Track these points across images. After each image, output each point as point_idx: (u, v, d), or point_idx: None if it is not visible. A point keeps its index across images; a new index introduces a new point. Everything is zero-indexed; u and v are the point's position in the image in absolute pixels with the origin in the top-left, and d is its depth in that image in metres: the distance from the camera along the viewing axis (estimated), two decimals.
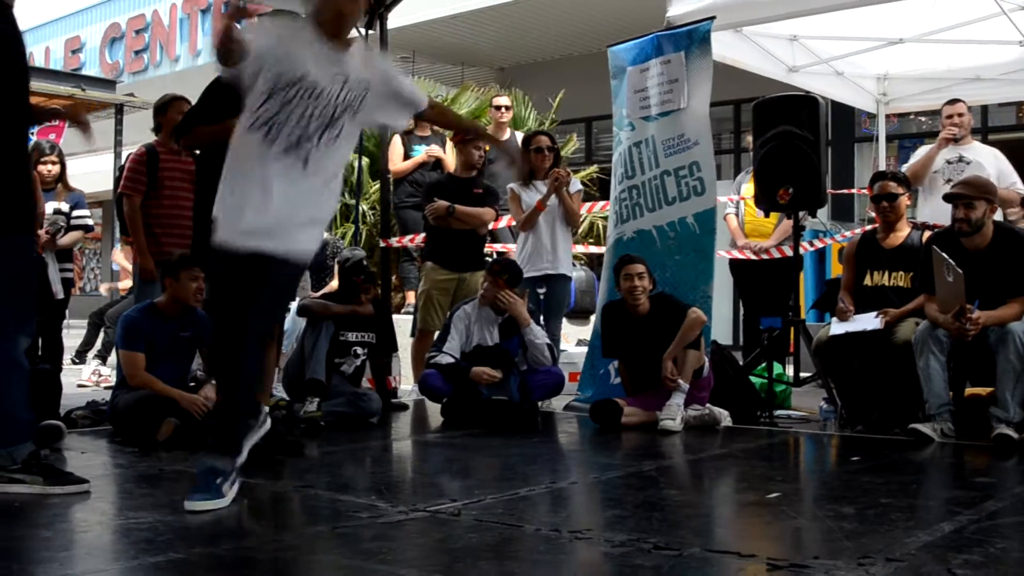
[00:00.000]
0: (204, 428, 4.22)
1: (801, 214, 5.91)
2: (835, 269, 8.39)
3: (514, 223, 6.51)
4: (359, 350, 5.62)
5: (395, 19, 8.05)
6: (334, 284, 6.71)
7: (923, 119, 11.05)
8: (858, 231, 6.09)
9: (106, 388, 6.70)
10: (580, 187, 6.38)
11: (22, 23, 3.40)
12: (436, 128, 7.67)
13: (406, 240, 7.51)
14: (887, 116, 8.73)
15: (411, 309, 7.35)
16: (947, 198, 4.89)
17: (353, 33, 3.42)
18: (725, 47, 6.47)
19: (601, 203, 7.85)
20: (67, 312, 6.14)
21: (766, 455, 4.66)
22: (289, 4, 3.50)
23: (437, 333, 5.91)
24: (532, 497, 3.41)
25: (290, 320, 5.60)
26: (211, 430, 3.47)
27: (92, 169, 13.24)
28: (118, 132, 11.29)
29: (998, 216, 5.08)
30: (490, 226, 6.57)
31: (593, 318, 6.80)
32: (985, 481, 3.92)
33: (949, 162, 6.25)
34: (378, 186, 8.28)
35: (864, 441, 4.79)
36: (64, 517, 3.06)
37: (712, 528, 3.17)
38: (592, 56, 10.35)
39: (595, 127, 14.21)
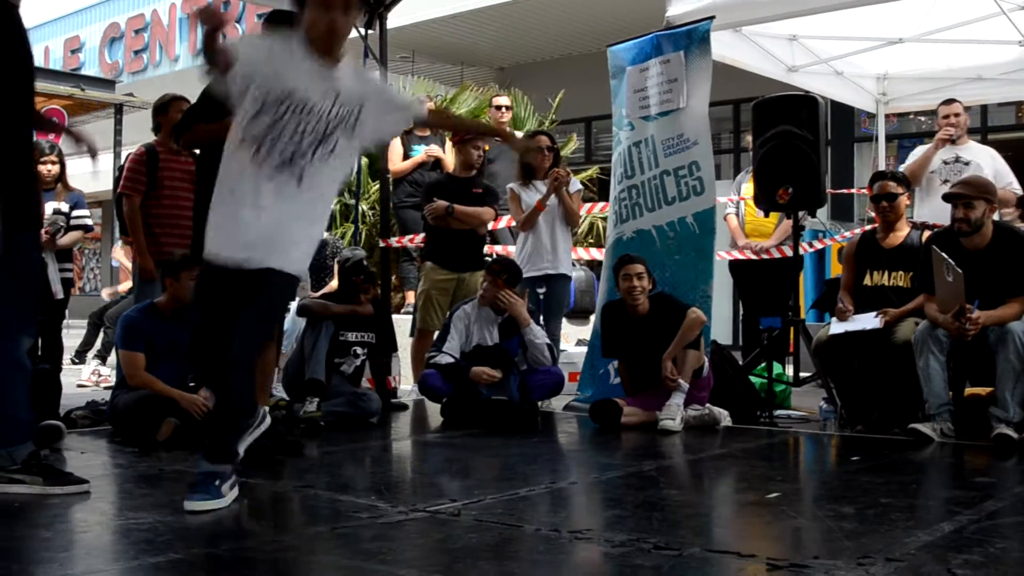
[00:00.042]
0: (204, 428, 4.22)
1: (801, 214, 5.91)
2: (835, 269, 8.40)
3: (514, 223, 6.51)
4: (359, 350, 5.62)
5: (395, 19, 8.06)
6: (334, 284, 6.70)
7: (923, 119, 11.04)
8: (858, 231, 6.09)
9: (106, 388, 6.70)
10: (580, 187, 6.38)
11: None
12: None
13: (406, 240, 7.51)
14: (887, 116, 8.74)
15: (411, 309, 7.35)
16: (947, 198, 4.89)
17: (345, 48, 3.40)
18: (725, 47, 6.47)
19: (601, 204, 7.85)
20: (67, 312, 6.14)
21: (766, 455, 4.66)
22: (287, 4, 3.49)
23: (437, 333, 5.91)
24: (532, 497, 3.41)
25: (290, 320, 5.60)
26: (207, 435, 3.47)
27: (91, 169, 13.23)
28: (118, 132, 11.30)
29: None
30: (490, 227, 6.57)
31: (593, 318, 6.80)
32: (985, 481, 3.92)
33: (946, 163, 6.26)
34: (378, 186, 8.27)
35: (864, 441, 4.79)
36: (64, 517, 3.06)
37: (712, 528, 3.17)
38: (592, 56, 10.35)
39: (595, 127, 14.22)
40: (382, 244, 7.50)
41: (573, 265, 6.88)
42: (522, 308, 5.56)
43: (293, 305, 5.58)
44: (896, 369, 4.86)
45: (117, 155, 10.59)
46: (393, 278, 8.12)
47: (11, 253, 3.27)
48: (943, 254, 4.55)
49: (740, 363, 5.84)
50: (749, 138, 6.42)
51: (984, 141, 9.36)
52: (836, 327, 5.14)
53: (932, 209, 6.08)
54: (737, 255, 6.72)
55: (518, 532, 2.85)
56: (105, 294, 9.39)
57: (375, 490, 3.56)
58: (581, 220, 7.98)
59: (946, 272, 4.53)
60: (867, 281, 5.27)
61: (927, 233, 5.23)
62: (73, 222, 6.03)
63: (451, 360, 5.51)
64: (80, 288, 19.69)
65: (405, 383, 6.65)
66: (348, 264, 5.70)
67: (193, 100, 4.61)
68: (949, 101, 6.46)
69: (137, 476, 3.87)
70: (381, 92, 3.54)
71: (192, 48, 16.81)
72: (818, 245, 7.78)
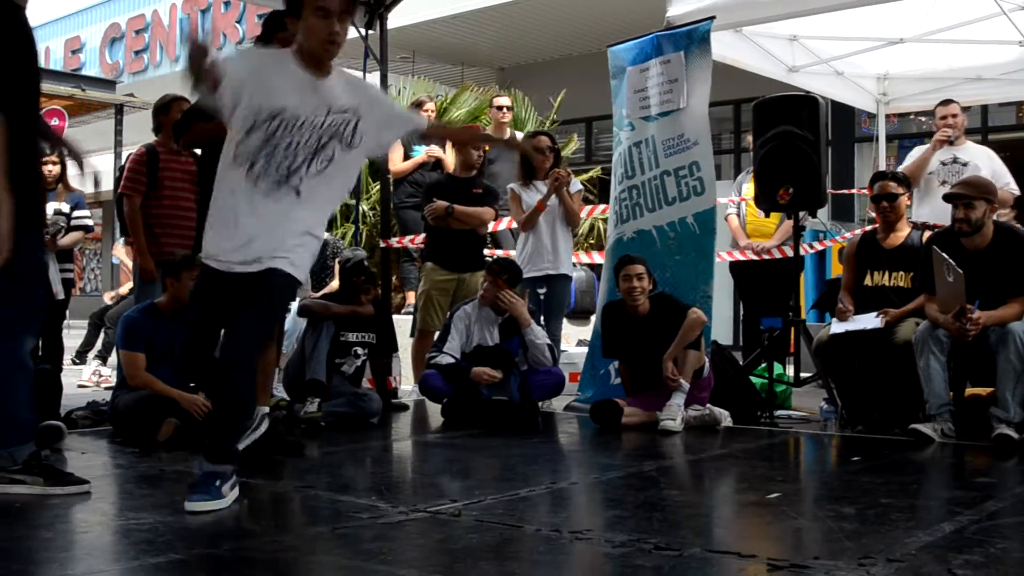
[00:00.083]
0: (204, 428, 4.22)
1: (801, 214, 5.91)
2: (835, 269, 8.39)
3: (515, 224, 6.51)
4: (359, 350, 5.62)
5: (395, 19, 8.06)
6: (334, 284, 6.71)
7: (923, 119, 11.03)
8: (858, 231, 6.10)
9: (106, 388, 6.70)
10: (580, 187, 6.38)
11: None
12: None
13: (406, 240, 7.51)
14: (887, 116, 8.73)
15: (411, 309, 7.35)
16: (947, 198, 4.89)
17: (336, 61, 3.39)
18: (725, 47, 6.47)
19: (602, 206, 7.85)
20: (67, 312, 6.15)
21: (766, 455, 4.66)
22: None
23: (437, 333, 5.91)
24: (532, 497, 3.41)
25: (290, 320, 5.60)
26: (207, 435, 3.47)
27: (92, 169, 13.23)
28: (118, 132, 11.31)
29: None
30: (490, 228, 6.57)
31: (593, 318, 6.80)
32: (985, 481, 3.92)
33: (944, 163, 6.26)
34: (378, 186, 8.28)
35: (864, 441, 4.79)
36: (64, 518, 3.06)
37: (712, 528, 3.17)
38: (592, 56, 10.35)
39: (595, 127, 14.21)
40: (383, 244, 7.50)
41: (574, 266, 6.88)
42: (523, 308, 5.56)
43: (294, 305, 5.58)
44: (897, 369, 4.86)
45: (118, 155, 10.60)
46: (394, 278, 8.12)
47: (15, 253, 3.27)
48: (944, 254, 4.55)
49: (741, 363, 5.84)
50: (750, 138, 6.42)
51: (984, 141, 9.36)
52: (837, 327, 5.14)
53: (931, 210, 6.08)
54: (738, 255, 6.72)
55: (519, 532, 2.85)
56: (107, 297, 9.39)
57: (376, 490, 3.56)
58: (581, 222, 7.97)
59: (947, 272, 4.53)
60: (868, 281, 5.27)
61: (928, 233, 5.24)
62: (73, 223, 6.04)
63: (452, 360, 5.51)
64: (81, 289, 19.70)
65: (406, 383, 6.65)
66: (349, 264, 5.71)
67: (193, 100, 4.61)
68: (946, 102, 6.46)
69: (138, 476, 3.87)
70: (378, 103, 3.52)
71: None
72: (819, 246, 7.79)
